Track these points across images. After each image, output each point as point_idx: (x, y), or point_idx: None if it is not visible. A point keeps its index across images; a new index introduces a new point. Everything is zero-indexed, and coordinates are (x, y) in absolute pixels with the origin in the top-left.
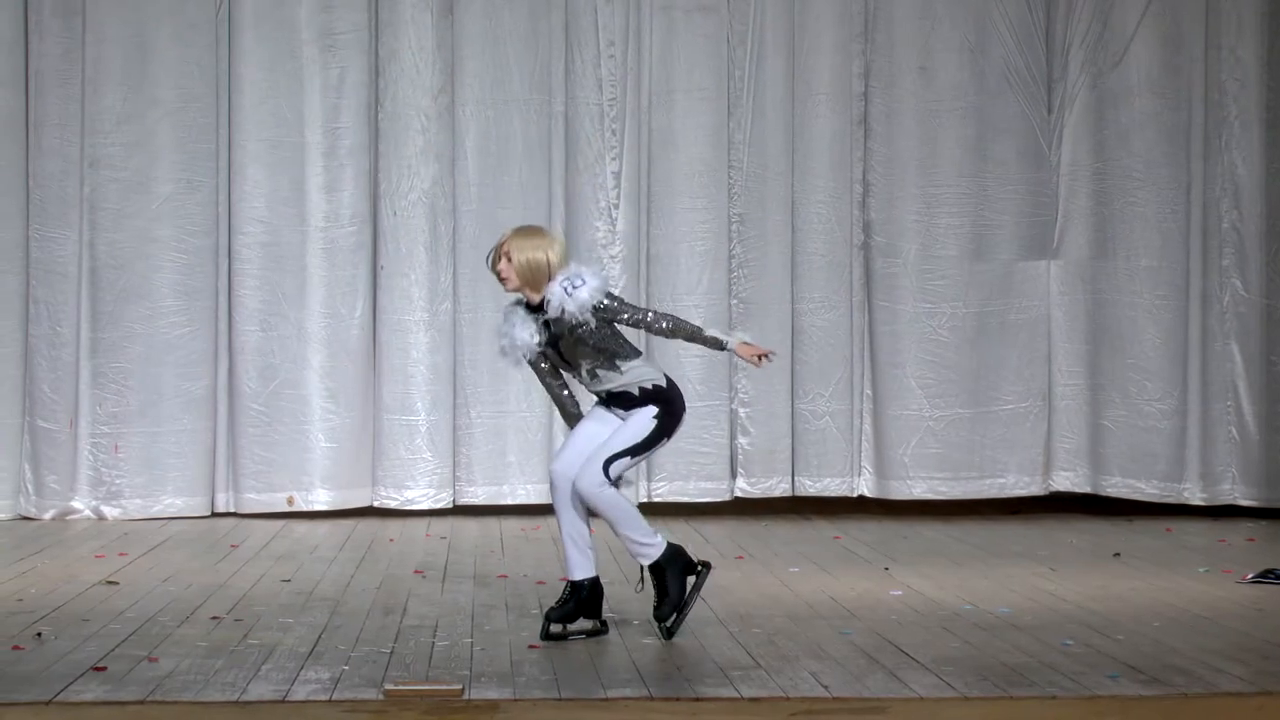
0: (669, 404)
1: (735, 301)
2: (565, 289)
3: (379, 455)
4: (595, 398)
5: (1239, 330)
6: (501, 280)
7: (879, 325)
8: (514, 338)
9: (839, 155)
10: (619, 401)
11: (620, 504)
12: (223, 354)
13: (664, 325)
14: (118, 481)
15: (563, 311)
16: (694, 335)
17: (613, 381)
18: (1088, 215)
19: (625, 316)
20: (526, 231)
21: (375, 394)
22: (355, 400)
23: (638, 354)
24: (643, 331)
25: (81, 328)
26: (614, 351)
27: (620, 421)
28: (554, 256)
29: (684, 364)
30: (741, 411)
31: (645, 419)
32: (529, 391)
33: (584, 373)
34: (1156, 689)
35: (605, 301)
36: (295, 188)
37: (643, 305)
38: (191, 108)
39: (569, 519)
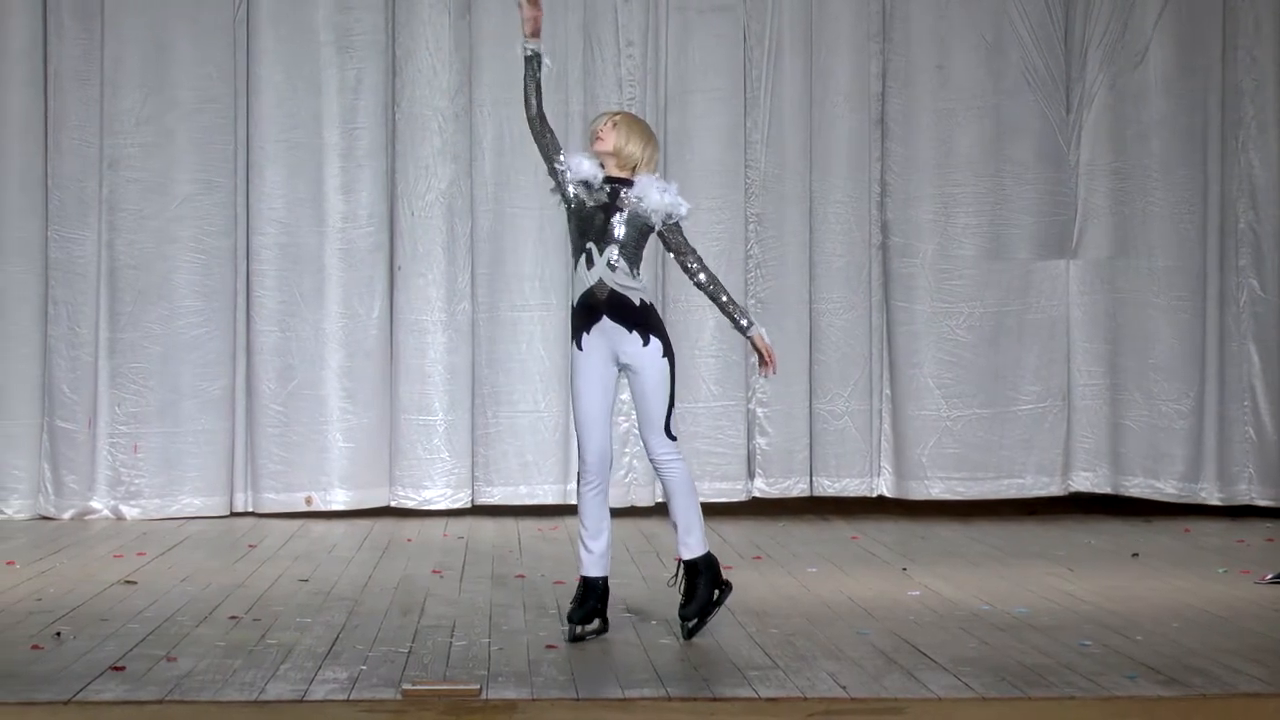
0: (663, 333)
1: (753, 301)
2: (660, 186)
3: (396, 455)
4: (585, 299)
5: (1256, 330)
6: (596, 139)
7: (897, 325)
8: (580, 162)
9: (856, 155)
10: (616, 308)
11: (691, 483)
12: (241, 354)
13: (705, 277)
14: (136, 481)
15: (643, 198)
16: (726, 301)
17: (625, 282)
18: (1106, 215)
19: (682, 241)
20: (640, 124)
21: (393, 394)
22: (373, 400)
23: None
24: (683, 273)
25: (100, 328)
26: (639, 258)
27: (606, 365)
28: (647, 160)
29: (698, 364)
30: (759, 412)
31: (658, 365)
32: (546, 392)
33: (607, 255)
34: (1175, 690)
35: (680, 219)
36: (313, 188)
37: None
38: (210, 109)
39: (596, 511)
